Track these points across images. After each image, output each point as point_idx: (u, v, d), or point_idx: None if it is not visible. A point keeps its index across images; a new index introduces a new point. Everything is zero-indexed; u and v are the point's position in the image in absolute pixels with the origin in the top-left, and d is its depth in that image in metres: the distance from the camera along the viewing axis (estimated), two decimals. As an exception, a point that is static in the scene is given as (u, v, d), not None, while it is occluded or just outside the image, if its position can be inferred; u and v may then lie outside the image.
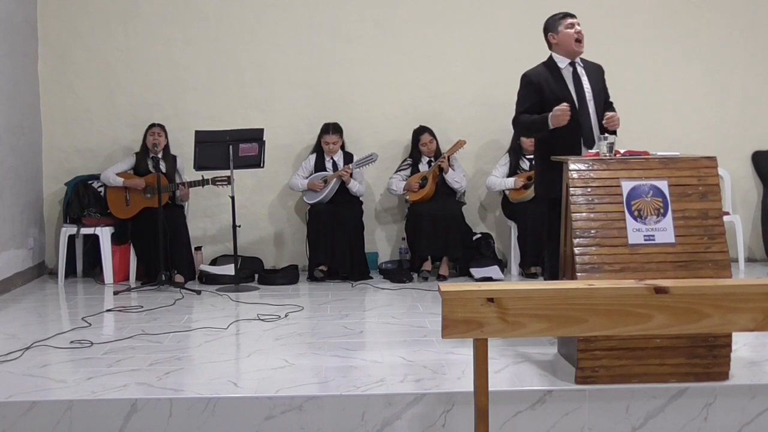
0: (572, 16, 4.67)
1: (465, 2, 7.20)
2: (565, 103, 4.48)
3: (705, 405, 3.71)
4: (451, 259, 6.70)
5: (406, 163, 7.00)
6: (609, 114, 4.60)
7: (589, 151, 4.46)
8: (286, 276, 6.60)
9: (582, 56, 4.74)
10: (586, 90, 4.67)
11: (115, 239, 6.63)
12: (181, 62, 7.11)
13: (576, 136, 4.57)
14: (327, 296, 6.04)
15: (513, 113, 7.35)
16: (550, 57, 4.74)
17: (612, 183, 3.89)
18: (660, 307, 2.93)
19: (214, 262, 6.97)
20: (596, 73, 4.78)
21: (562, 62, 4.68)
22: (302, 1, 7.14)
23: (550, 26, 4.70)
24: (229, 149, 6.28)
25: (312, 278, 6.59)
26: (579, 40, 4.62)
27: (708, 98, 7.29)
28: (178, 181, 6.70)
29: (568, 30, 4.62)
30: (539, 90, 4.63)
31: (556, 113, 4.46)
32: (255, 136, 6.40)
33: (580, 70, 4.70)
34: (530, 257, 6.65)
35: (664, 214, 3.85)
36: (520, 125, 4.76)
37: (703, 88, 7.28)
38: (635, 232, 3.82)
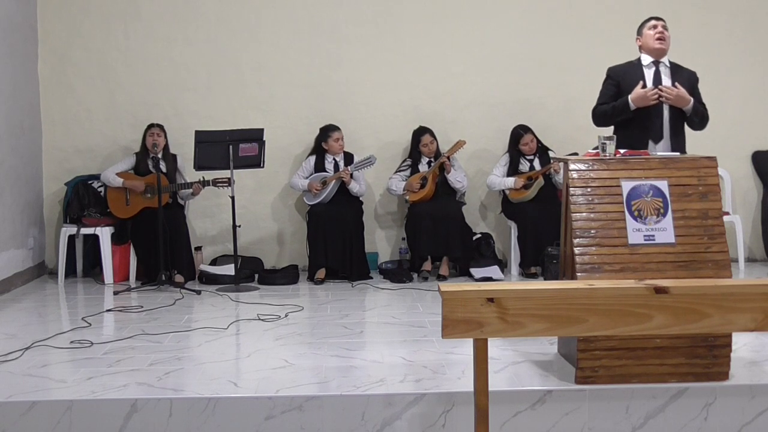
0: (658, 18, 4.93)
1: (465, 2, 7.20)
2: (652, 87, 4.69)
3: (705, 405, 3.72)
4: (451, 259, 6.70)
5: (405, 163, 7.00)
6: (678, 89, 4.74)
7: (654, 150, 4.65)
8: (286, 276, 6.60)
9: (679, 62, 4.98)
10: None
11: (115, 239, 6.63)
12: (181, 62, 7.11)
13: (644, 131, 4.67)
14: (327, 296, 6.04)
15: (512, 113, 7.41)
16: (639, 57, 4.93)
17: (612, 183, 3.89)
18: (660, 307, 2.94)
19: (214, 262, 6.97)
20: (683, 77, 4.89)
21: (646, 60, 4.88)
22: (302, 1, 7.14)
23: (638, 30, 4.96)
24: (229, 149, 6.28)
25: (312, 279, 6.59)
26: (659, 39, 4.82)
27: (708, 98, 7.25)
28: (179, 180, 6.70)
29: (650, 31, 4.86)
30: (617, 84, 4.85)
31: (644, 94, 4.67)
32: (255, 136, 6.40)
33: (664, 70, 4.86)
34: (530, 257, 6.65)
35: (664, 214, 3.85)
36: (598, 114, 4.90)
37: (703, 88, 7.24)
38: (635, 232, 3.82)
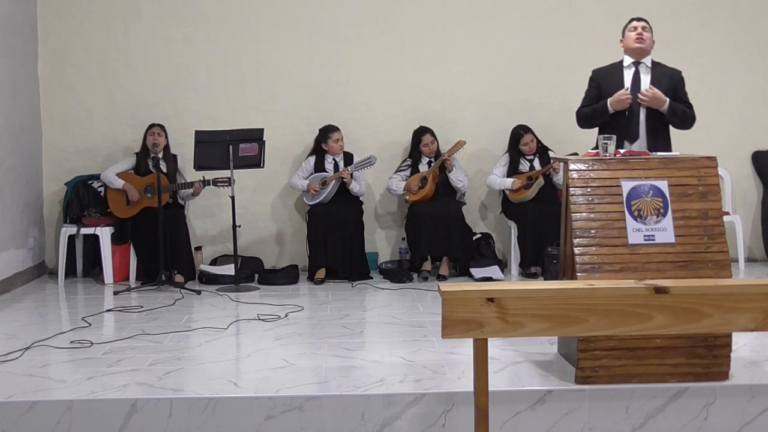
0: (638, 19, 4.98)
1: (465, 2, 7.20)
2: (627, 90, 4.80)
3: (705, 405, 3.72)
4: (451, 259, 6.70)
5: (405, 163, 7.00)
6: (652, 91, 4.80)
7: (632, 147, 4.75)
8: (286, 276, 6.60)
9: (661, 61, 5.02)
10: (642, 89, 4.86)
11: (115, 239, 6.63)
12: (181, 62, 7.11)
13: (621, 131, 4.73)
14: (327, 296, 6.04)
15: (512, 113, 7.43)
16: (622, 59, 5.02)
17: (612, 183, 3.89)
18: (660, 307, 2.94)
19: (214, 262, 6.97)
20: (665, 76, 4.93)
21: (627, 61, 4.97)
22: (302, 1, 7.14)
23: (622, 32, 5.02)
24: (229, 149, 6.28)
25: (312, 279, 6.58)
26: (638, 40, 4.89)
27: (708, 98, 7.28)
28: (180, 180, 6.70)
29: (631, 32, 4.93)
30: (598, 85, 4.98)
31: (618, 97, 4.79)
32: (255, 136, 6.40)
33: (644, 70, 4.93)
34: (530, 257, 6.65)
35: (664, 214, 3.85)
36: (580, 117, 5.06)
37: (703, 88, 7.26)
38: (635, 232, 3.82)
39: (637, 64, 4.93)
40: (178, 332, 4.86)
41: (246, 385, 3.82)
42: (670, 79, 4.92)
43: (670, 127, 4.96)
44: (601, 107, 4.89)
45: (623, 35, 4.99)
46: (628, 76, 4.92)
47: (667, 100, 4.79)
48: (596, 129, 5.03)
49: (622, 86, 4.87)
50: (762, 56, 7.33)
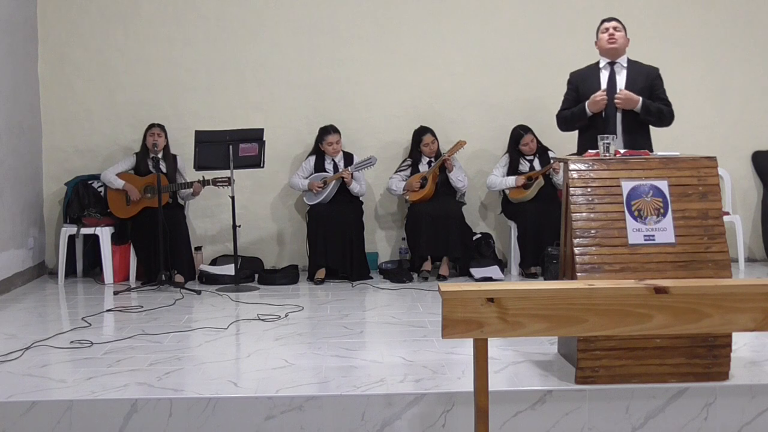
0: (608, 20, 5.07)
1: (465, 2, 7.20)
2: (602, 91, 4.86)
3: (705, 405, 3.72)
4: (451, 259, 6.70)
5: (405, 163, 7.00)
6: (624, 93, 4.85)
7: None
8: (286, 276, 6.60)
9: (637, 60, 5.07)
10: (617, 89, 4.91)
11: (115, 239, 6.63)
12: (181, 62, 7.11)
13: (599, 132, 4.76)
14: (327, 296, 6.04)
15: (512, 113, 7.44)
16: (598, 60, 5.10)
17: (612, 183, 3.89)
18: (660, 307, 2.94)
19: (214, 262, 6.97)
20: (641, 75, 4.97)
21: (603, 62, 5.05)
22: (302, 1, 7.14)
23: (596, 34, 5.09)
24: (229, 149, 6.28)
25: (312, 279, 6.58)
26: (610, 41, 4.97)
27: (708, 98, 7.29)
28: (180, 180, 6.70)
29: (603, 34, 5.01)
30: (576, 88, 5.07)
31: (593, 99, 4.86)
32: (255, 136, 6.40)
33: (619, 70, 4.98)
34: (530, 257, 6.65)
35: (664, 214, 3.85)
36: (560, 120, 5.14)
37: (703, 88, 7.28)
38: (635, 232, 3.82)
39: (612, 64, 4.98)
40: (178, 332, 4.86)
41: (246, 385, 3.82)
42: (646, 78, 4.97)
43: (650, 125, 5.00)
44: (579, 110, 4.96)
45: (596, 36, 5.03)
46: (604, 77, 4.98)
47: (640, 99, 4.84)
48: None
49: (598, 88, 4.92)
50: (762, 56, 7.33)
